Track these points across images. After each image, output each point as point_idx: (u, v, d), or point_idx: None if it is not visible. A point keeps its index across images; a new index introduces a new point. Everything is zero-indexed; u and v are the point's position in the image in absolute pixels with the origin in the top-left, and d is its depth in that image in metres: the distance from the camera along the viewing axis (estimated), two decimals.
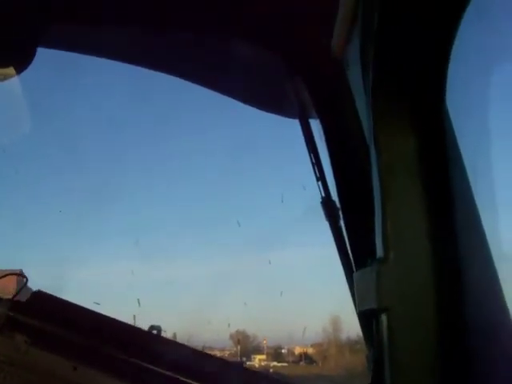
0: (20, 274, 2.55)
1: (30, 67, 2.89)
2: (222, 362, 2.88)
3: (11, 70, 2.88)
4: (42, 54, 2.88)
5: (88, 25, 2.88)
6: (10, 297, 2.52)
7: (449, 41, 1.75)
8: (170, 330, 2.81)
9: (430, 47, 1.78)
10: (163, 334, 2.80)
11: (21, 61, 2.85)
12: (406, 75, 1.80)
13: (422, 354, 1.67)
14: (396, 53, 1.81)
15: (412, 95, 1.81)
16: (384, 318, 1.71)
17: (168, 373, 2.38)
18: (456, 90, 1.82)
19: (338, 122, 2.37)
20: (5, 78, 2.91)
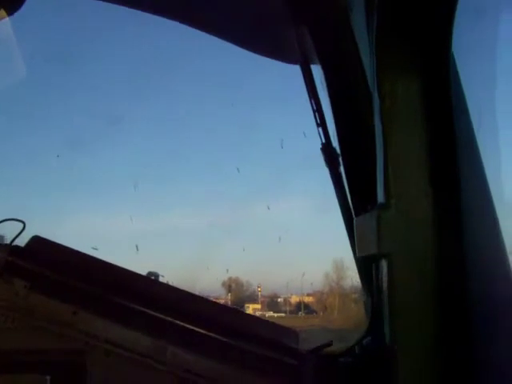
0: (18, 220, 2.53)
1: (23, 9, 2.82)
2: (220, 306, 2.90)
3: (2, 13, 2.82)
4: None
5: None
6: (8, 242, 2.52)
7: None
8: (167, 276, 2.81)
9: None
10: (162, 280, 2.81)
11: (12, 2, 2.78)
12: (412, 21, 1.76)
13: (421, 300, 1.68)
14: None
15: (417, 41, 1.77)
16: (384, 263, 1.71)
17: (166, 317, 2.40)
18: (462, 37, 1.79)
19: (340, 68, 2.33)
20: None
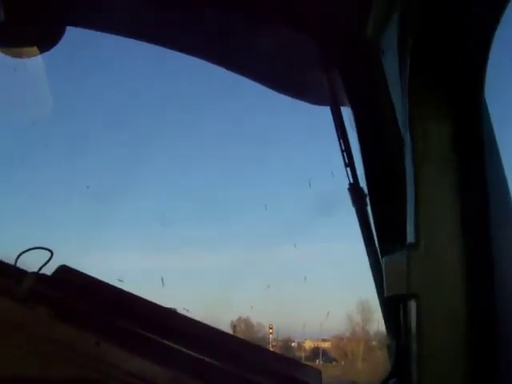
0: (45, 248, 2.56)
1: (58, 45, 2.90)
2: (242, 341, 2.89)
3: (35, 49, 2.90)
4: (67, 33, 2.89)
5: (115, 4, 2.87)
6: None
7: (491, 32, 1.74)
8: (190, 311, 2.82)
9: (472, 38, 1.77)
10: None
11: (47, 39, 2.86)
12: (446, 65, 1.79)
13: (451, 342, 1.67)
14: (436, 42, 1.80)
15: (450, 85, 1.80)
16: (413, 304, 1.70)
17: (190, 351, 2.40)
18: (495, 83, 1.81)
19: (370, 110, 2.36)
20: (29, 56, 2.93)
